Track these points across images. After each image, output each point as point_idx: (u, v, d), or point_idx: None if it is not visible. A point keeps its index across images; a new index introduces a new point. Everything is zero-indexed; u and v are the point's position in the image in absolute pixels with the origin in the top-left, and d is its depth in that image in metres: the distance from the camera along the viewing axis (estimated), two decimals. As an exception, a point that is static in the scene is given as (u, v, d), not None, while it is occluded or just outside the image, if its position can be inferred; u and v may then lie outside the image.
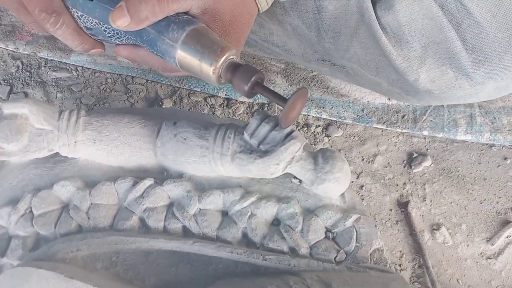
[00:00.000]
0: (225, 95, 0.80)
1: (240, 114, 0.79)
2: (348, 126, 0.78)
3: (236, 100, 0.80)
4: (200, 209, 0.50)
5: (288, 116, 0.42)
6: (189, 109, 0.79)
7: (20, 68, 0.83)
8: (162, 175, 0.53)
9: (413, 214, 0.70)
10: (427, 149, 0.76)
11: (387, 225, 0.70)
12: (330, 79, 0.80)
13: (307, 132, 0.77)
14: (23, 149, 0.52)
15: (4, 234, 0.52)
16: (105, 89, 0.81)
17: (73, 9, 0.45)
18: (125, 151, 0.52)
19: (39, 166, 0.54)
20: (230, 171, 0.50)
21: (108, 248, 0.49)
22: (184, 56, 0.42)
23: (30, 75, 0.82)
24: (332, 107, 0.78)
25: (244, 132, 0.48)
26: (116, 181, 0.52)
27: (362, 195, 0.72)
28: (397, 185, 0.73)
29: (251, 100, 0.79)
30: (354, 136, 0.77)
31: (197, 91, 0.81)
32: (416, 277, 0.66)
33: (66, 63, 0.83)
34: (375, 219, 0.70)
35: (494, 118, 0.75)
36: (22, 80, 0.82)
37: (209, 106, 0.79)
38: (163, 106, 0.79)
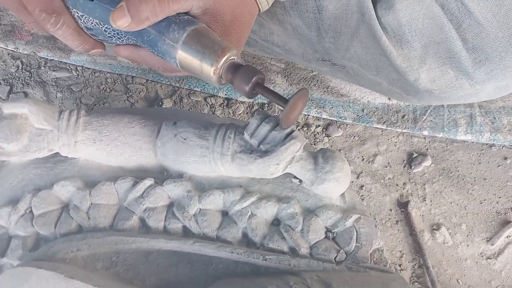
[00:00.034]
0: (225, 95, 0.80)
1: (240, 114, 0.79)
2: (348, 126, 0.78)
3: (236, 100, 0.80)
4: (200, 209, 0.50)
5: (289, 117, 0.42)
6: (189, 109, 0.79)
7: (20, 67, 0.83)
8: (162, 175, 0.53)
9: (413, 214, 0.70)
10: (427, 149, 0.76)
11: (387, 225, 0.70)
12: (330, 79, 0.80)
13: (307, 132, 0.77)
14: (23, 149, 0.52)
15: (4, 234, 0.52)
16: (105, 89, 0.81)
17: (74, 9, 0.45)
18: (125, 151, 0.52)
19: (39, 166, 0.54)
20: (230, 171, 0.50)
21: (108, 248, 0.49)
22: (185, 56, 0.42)
23: (30, 75, 0.82)
24: (332, 107, 0.78)
25: (244, 132, 0.48)
26: (116, 181, 0.52)
27: (362, 195, 0.72)
28: (397, 185, 0.73)
29: (251, 100, 0.79)
30: (354, 136, 0.77)
31: (197, 91, 0.80)
32: (416, 277, 0.66)
33: (66, 62, 0.83)
34: (375, 219, 0.70)
35: (494, 118, 0.75)
36: (22, 80, 0.82)
37: (209, 106, 0.79)
38: (163, 106, 0.79)
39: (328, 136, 0.77)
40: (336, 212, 0.49)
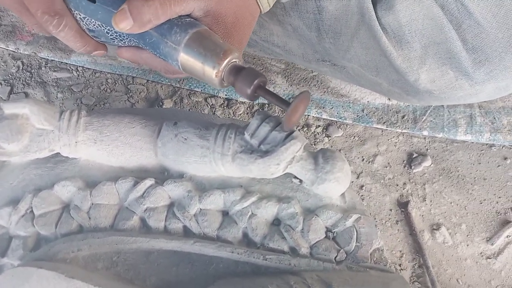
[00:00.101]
0: (226, 95, 0.80)
1: (240, 114, 0.79)
2: (348, 126, 0.78)
3: (237, 101, 0.80)
4: (200, 209, 0.50)
5: (291, 119, 0.42)
6: (189, 109, 0.79)
7: (21, 68, 0.83)
8: (162, 175, 0.53)
9: (413, 214, 0.70)
10: (427, 149, 0.76)
11: (387, 225, 0.70)
12: (330, 79, 0.80)
13: (307, 132, 0.77)
14: (24, 149, 0.52)
15: (4, 234, 0.52)
16: (105, 89, 0.81)
17: (76, 11, 0.45)
18: (126, 151, 0.53)
19: (39, 166, 0.54)
20: (231, 171, 0.50)
21: (109, 248, 0.49)
22: (187, 59, 0.42)
23: (31, 75, 0.83)
24: (332, 107, 0.78)
25: (245, 132, 0.48)
26: (117, 181, 0.52)
27: (362, 195, 0.72)
28: (397, 185, 0.73)
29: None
30: (354, 136, 0.77)
31: (197, 91, 0.81)
32: (416, 277, 0.66)
33: (66, 63, 0.83)
34: (375, 219, 0.70)
35: (494, 118, 0.76)
36: (22, 80, 0.82)
37: (209, 106, 0.80)
38: (164, 106, 0.79)
39: (328, 136, 0.77)
40: (336, 212, 0.49)
